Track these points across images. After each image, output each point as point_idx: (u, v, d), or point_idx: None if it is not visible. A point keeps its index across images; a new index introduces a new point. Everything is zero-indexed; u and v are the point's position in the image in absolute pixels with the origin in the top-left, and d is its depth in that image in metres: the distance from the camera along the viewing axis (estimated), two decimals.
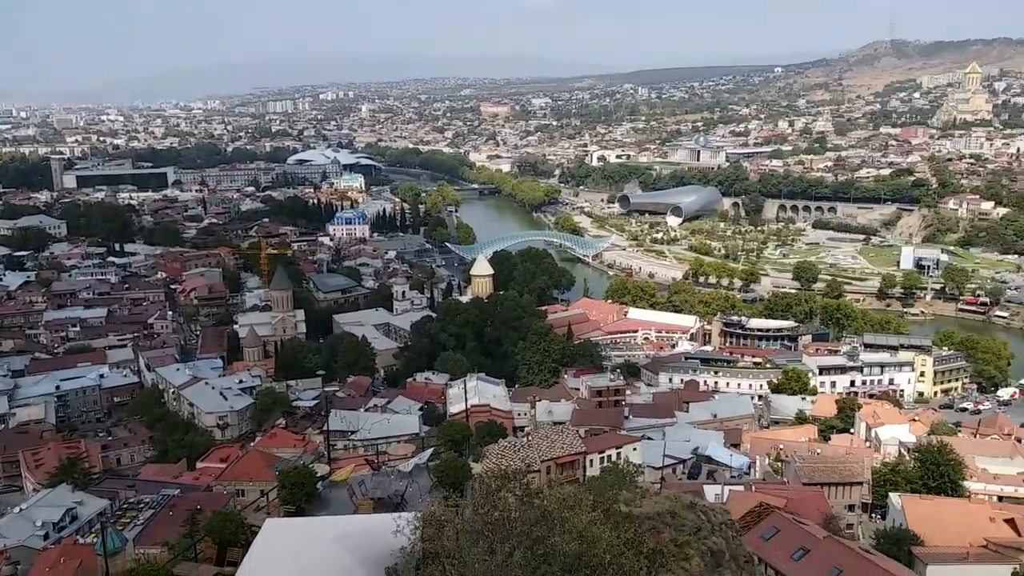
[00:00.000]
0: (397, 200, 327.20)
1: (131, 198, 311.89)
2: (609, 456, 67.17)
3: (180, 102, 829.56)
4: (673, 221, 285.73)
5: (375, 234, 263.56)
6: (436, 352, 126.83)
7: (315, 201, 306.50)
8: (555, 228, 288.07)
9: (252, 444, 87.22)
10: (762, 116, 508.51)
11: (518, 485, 18.89)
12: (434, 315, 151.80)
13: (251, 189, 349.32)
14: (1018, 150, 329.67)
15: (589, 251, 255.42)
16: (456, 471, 49.54)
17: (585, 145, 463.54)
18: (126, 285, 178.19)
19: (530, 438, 63.57)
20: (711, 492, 58.46)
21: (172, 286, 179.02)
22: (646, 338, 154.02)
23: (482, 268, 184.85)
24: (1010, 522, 54.89)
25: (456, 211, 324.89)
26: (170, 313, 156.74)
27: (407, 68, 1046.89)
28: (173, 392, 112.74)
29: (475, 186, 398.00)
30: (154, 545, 52.15)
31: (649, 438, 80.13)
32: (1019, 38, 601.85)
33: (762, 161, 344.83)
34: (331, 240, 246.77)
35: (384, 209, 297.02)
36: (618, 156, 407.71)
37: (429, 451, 64.76)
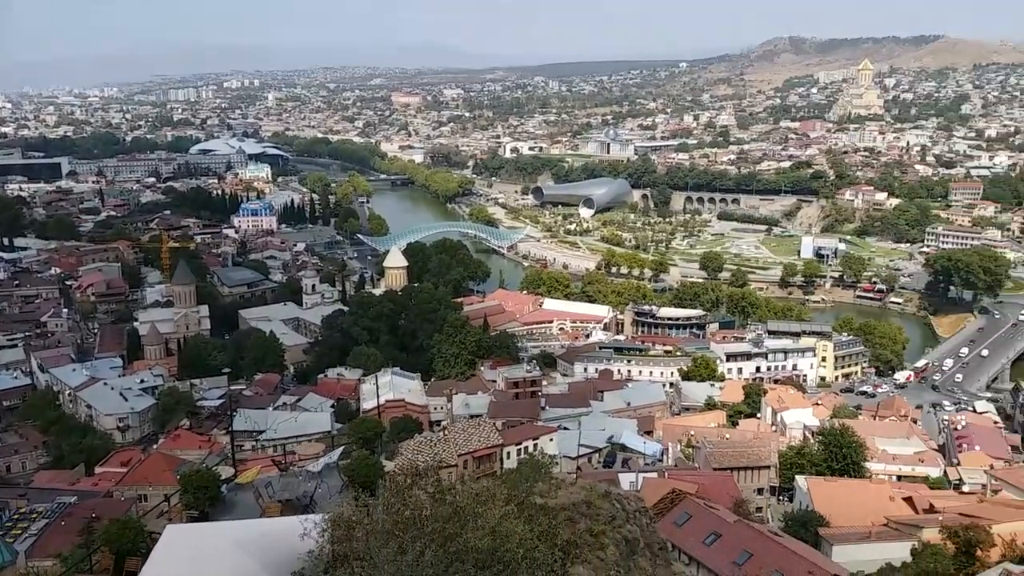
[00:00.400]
0: (306, 191, 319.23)
1: (21, 189, 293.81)
2: (526, 448, 67.02)
3: (75, 89, 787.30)
4: (585, 213, 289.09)
5: (283, 226, 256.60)
6: (348, 347, 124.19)
7: (219, 192, 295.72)
8: (469, 219, 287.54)
9: (154, 447, 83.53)
10: (668, 110, 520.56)
11: (430, 482, 18.40)
12: (346, 309, 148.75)
13: (152, 180, 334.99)
14: (908, 144, 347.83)
15: (504, 242, 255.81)
16: (367, 470, 48.35)
17: (498, 137, 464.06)
18: (16, 281, 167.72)
19: (446, 432, 62.89)
20: (626, 480, 59.01)
21: (67, 282, 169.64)
22: (561, 328, 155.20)
23: (396, 260, 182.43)
24: (908, 500, 57.59)
25: (368, 202, 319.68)
26: (65, 311, 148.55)
27: (315, 57, 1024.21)
28: (69, 394, 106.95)
29: (387, 177, 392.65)
30: (47, 557, 48.95)
31: (565, 428, 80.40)
32: (906, 37, 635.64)
33: (669, 154, 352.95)
34: (236, 232, 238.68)
35: (292, 200, 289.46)
36: (531, 148, 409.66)
37: (339, 450, 63.18)
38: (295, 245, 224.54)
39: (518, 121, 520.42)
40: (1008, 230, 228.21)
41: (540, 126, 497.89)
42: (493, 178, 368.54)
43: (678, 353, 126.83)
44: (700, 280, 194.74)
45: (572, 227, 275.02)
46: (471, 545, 15.61)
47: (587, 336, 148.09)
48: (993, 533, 43.95)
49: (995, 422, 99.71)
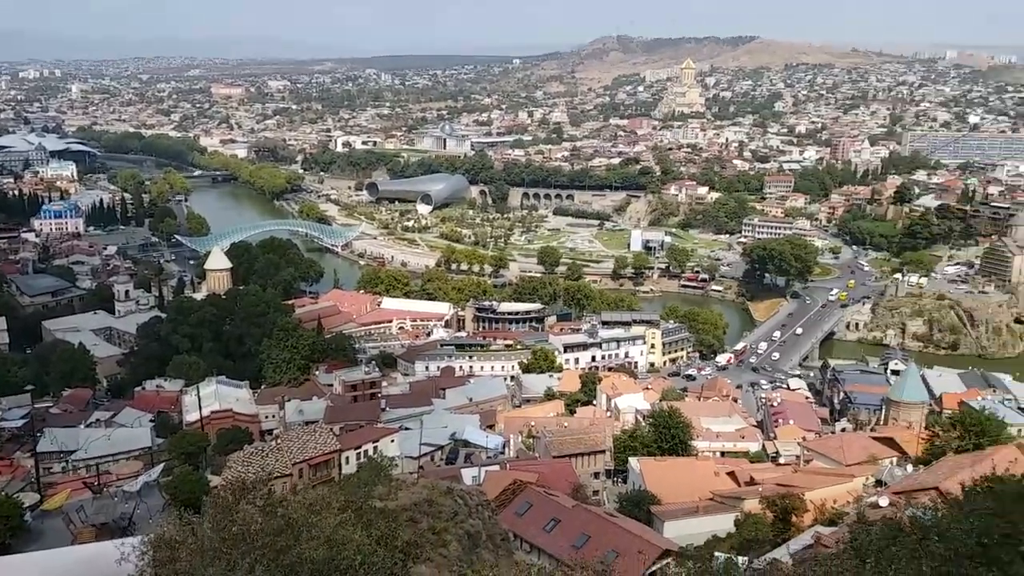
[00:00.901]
0: (116, 189, 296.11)
1: None
2: (366, 451, 65.39)
3: None
4: (423, 209, 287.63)
5: (91, 228, 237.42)
6: (168, 356, 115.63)
7: (16, 193, 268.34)
8: (300, 217, 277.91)
9: None
10: (503, 106, 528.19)
11: (259, 495, 17.69)
12: (164, 315, 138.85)
13: None
14: (727, 140, 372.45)
15: (338, 240, 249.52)
16: (191, 486, 45.06)
17: (328, 130, 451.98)
18: None
19: (279, 441, 59.97)
20: (468, 475, 58.80)
21: None
22: (401, 327, 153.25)
23: (218, 261, 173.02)
24: (731, 474, 61.05)
25: (186, 200, 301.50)
26: None
27: (126, 47, 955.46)
28: None
29: (207, 173, 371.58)
30: None
31: (407, 428, 79.16)
32: (725, 37, 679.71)
33: (505, 150, 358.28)
34: (37, 236, 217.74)
35: (101, 200, 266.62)
36: (364, 142, 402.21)
37: (160, 467, 58.71)
38: (105, 248, 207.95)
39: (350, 114, 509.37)
40: (816, 220, 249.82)
41: (373, 120, 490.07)
42: (324, 173, 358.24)
43: (518, 347, 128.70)
44: (538, 274, 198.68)
45: (410, 224, 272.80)
46: (305, 556, 15.11)
47: (428, 334, 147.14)
48: (806, 499, 47.25)
49: (806, 397, 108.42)
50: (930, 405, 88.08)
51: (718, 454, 75.28)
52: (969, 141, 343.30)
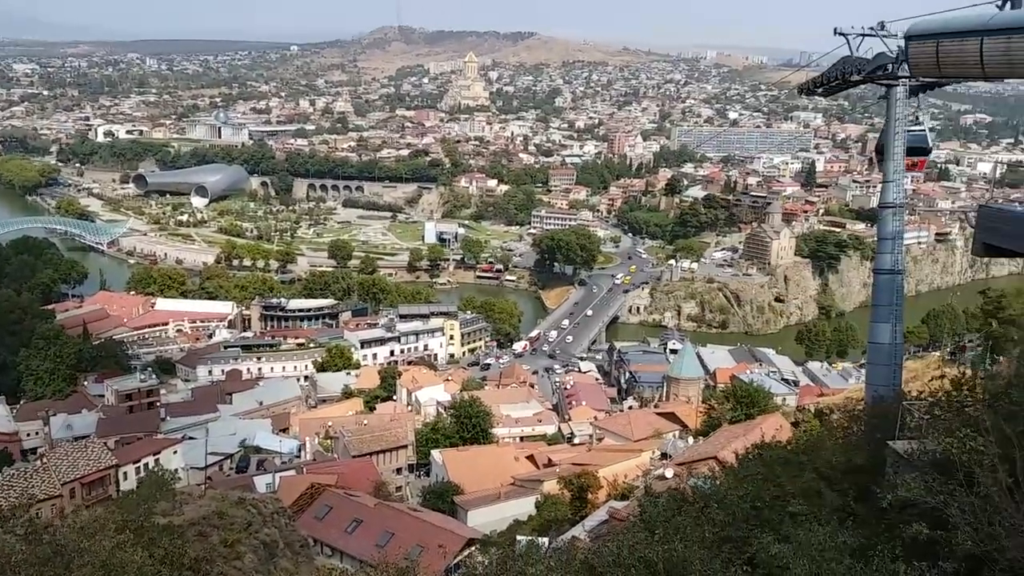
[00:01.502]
0: None
1: None
2: (146, 465, 60.41)
3: None
4: (199, 202, 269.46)
5: None
6: None
7: None
8: (57, 213, 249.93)
9: None
10: (283, 94, 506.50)
11: (21, 522, 15.69)
12: None
13: None
14: (512, 133, 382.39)
15: (103, 238, 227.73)
16: None
17: (87, 119, 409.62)
18: None
19: (45, 460, 54.16)
20: (262, 482, 56.10)
21: None
22: (179, 330, 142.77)
23: None
24: (531, 458, 62.71)
25: None
26: None
27: None
28: None
29: None
30: None
31: (191, 437, 73.99)
32: (505, 32, 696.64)
33: (287, 140, 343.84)
34: None
35: None
36: (129, 132, 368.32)
37: None
38: None
39: (111, 102, 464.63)
40: (598, 211, 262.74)
41: (138, 107, 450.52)
42: (84, 166, 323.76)
43: (312, 345, 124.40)
44: (329, 269, 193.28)
45: (184, 218, 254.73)
46: None
47: (210, 336, 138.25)
48: (600, 477, 49.40)
49: (596, 379, 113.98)
50: (706, 380, 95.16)
51: (518, 439, 77.06)
52: (730, 136, 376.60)
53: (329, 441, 74.67)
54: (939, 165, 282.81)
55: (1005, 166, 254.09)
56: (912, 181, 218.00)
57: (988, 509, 8.54)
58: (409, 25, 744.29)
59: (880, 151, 31.74)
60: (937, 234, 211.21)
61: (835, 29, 29.66)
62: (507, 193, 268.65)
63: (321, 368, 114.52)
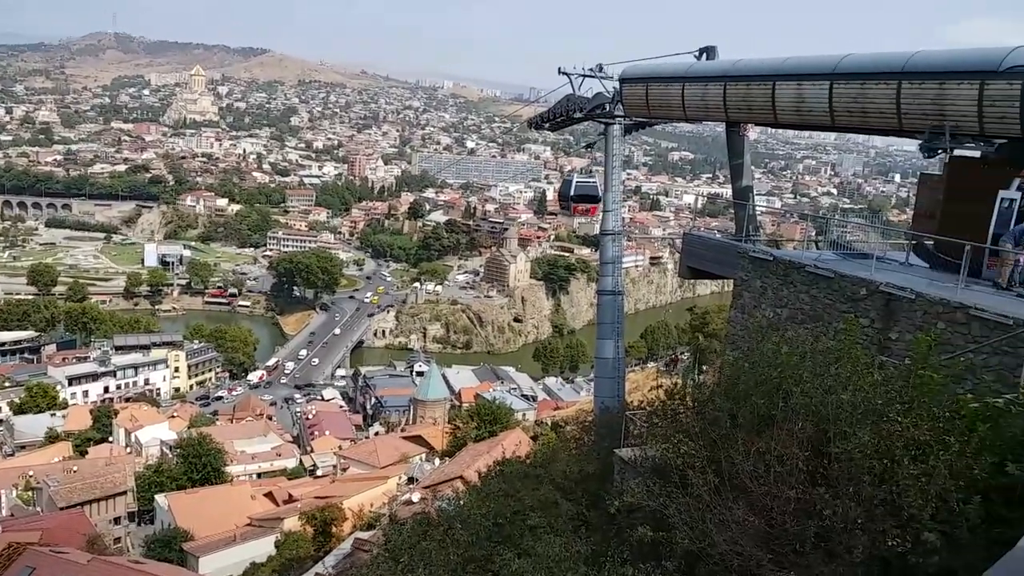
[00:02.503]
0: None
1: None
2: None
3: None
4: None
5: None
6: None
7: None
8: None
9: None
10: None
11: None
12: None
13: None
14: (244, 151, 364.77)
15: None
16: None
17: None
18: None
19: None
20: None
21: None
22: None
23: None
24: (270, 495, 59.52)
25: None
26: None
27: None
28: None
29: None
30: None
31: None
32: (236, 47, 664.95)
33: None
34: None
35: None
36: None
37: None
38: None
39: None
40: (340, 233, 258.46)
41: None
42: None
43: (7, 384, 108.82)
44: (30, 297, 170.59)
45: None
46: None
47: None
48: (345, 508, 48.10)
49: (341, 406, 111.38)
50: (451, 400, 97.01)
51: (255, 476, 72.92)
52: (468, 164, 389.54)
53: (30, 493, 65.39)
54: (652, 196, 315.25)
55: (705, 198, 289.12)
56: (628, 210, 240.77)
57: (700, 507, 9.28)
58: (127, 32, 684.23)
59: (564, 197, 35.11)
60: (651, 258, 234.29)
61: (559, 68, 31.84)
62: (239, 213, 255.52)
63: (19, 410, 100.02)
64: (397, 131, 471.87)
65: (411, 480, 53.90)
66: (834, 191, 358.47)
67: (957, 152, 18.85)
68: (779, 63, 23.17)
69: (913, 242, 19.03)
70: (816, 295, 17.07)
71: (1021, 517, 7.22)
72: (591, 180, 33.72)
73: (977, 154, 18.62)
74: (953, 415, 8.84)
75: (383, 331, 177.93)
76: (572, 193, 32.98)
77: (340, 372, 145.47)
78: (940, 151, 18.50)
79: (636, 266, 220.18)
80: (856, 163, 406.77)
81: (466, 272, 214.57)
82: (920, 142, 18.95)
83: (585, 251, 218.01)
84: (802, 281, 17.52)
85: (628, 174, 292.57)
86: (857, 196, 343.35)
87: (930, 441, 8.32)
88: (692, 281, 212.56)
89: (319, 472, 74.16)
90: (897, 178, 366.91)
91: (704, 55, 28.87)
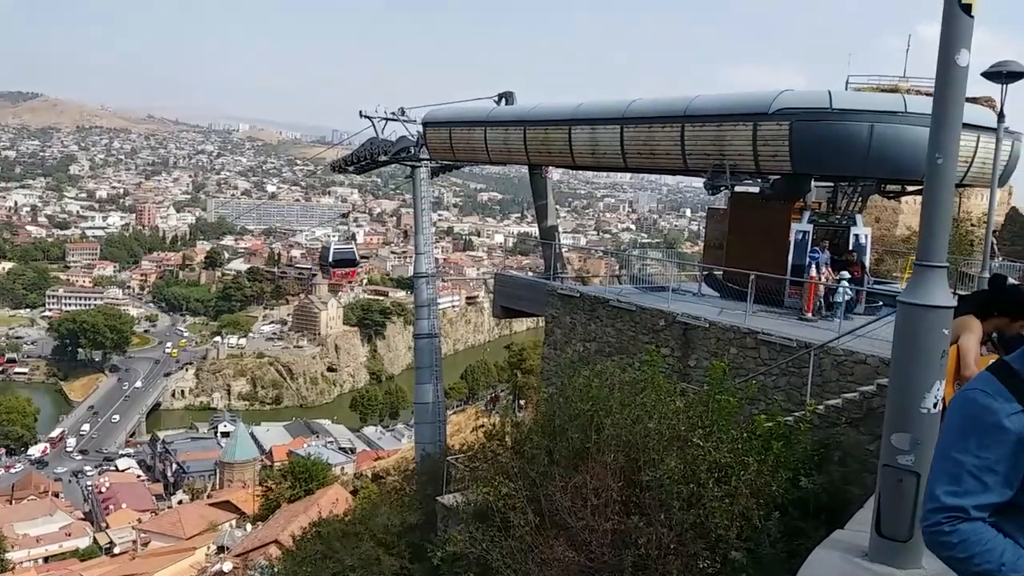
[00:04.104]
0: None
1: None
2: None
3: None
4: None
5: None
6: None
7: None
8: None
9: None
10: None
11: None
12: None
13: None
14: (16, 203, 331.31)
15: None
16: None
17: None
18: None
19: None
20: None
21: None
22: None
23: None
24: None
25: None
26: None
27: None
28: None
29: None
30: None
31: None
32: (2, 92, 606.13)
33: None
34: None
35: None
36: None
37: None
38: None
39: None
40: (129, 288, 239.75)
41: None
42: None
43: None
44: None
45: None
46: None
47: None
48: None
49: (138, 476, 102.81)
50: (261, 460, 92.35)
51: (41, 561, 65.35)
52: (270, 208, 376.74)
53: None
54: (464, 237, 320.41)
55: (516, 237, 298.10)
56: (442, 251, 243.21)
57: (523, 549, 9.20)
58: None
59: (324, 262, 38.01)
60: (468, 297, 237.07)
61: (360, 112, 31.64)
62: (12, 271, 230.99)
63: None
64: (190, 177, 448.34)
65: (221, 549, 50.43)
66: (633, 227, 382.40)
67: (738, 188, 20.56)
68: (574, 108, 24.32)
69: (705, 273, 20.42)
70: (621, 328, 17.82)
71: (816, 527, 7.71)
72: (348, 247, 36.85)
73: (756, 189, 20.40)
74: (750, 436, 9.37)
75: (182, 391, 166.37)
76: (331, 259, 35.43)
77: (136, 438, 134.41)
78: (722, 188, 20.08)
79: (453, 306, 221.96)
80: (651, 200, 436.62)
81: (273, 322, 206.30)
82: (704, 180, 20.47)
83: (400, 294, 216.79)
84: (607, 315, 18.24)
85: (439, 215, 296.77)
86: (654, 231, 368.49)
87: (731, 462, 8.75)
88: (508, 319, 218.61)
89: (117, 549, 67.86)
90: (688, 212, 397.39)
91: (503, 100, 29.83)
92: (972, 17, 3.17)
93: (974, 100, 26.55)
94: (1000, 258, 24.05)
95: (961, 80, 3.28)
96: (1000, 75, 15.33)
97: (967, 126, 19.14)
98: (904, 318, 3.33)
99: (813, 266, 17.43)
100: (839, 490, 8.80)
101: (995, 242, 25.66)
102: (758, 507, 8.41)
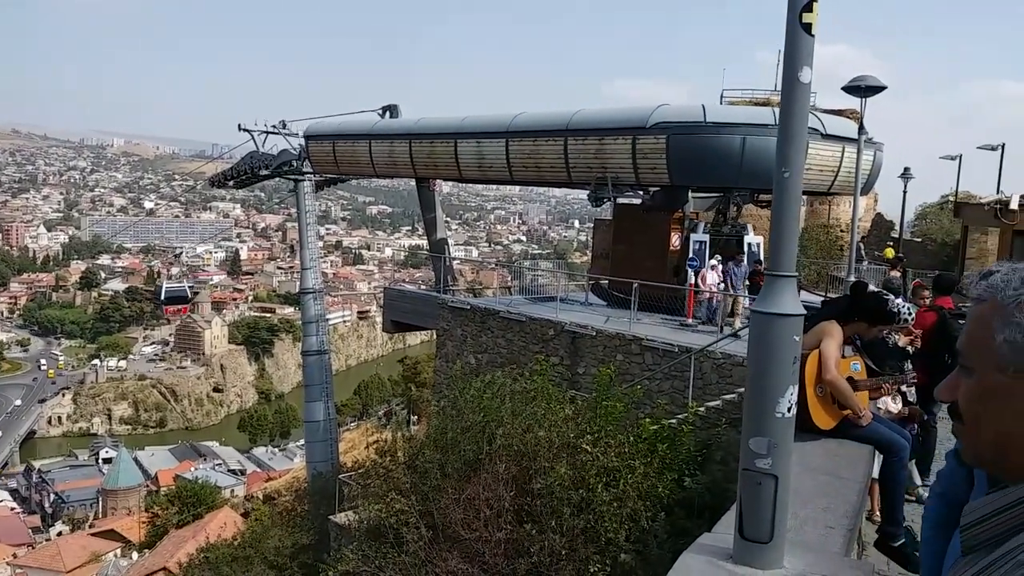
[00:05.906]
0: None
1: None
2: None
3: None
4: None
5: None
6: None
7: None
8: None
9: None
10: None
11: None
12: None
13: None
14: None
15: None
16: None
17: None
18: None
19: None
20: None
21: None
22: None
23: None
24: None
25: None
26: None
27: None
28: None
29: None
30: None
31: None
32: None
33: None
34: None
35: None
36: None
37: None
38: None
39: None
40: None
41: None
42: None
43: None
44: None
45: None
46: None
47: None
48: None
49: (12, 508, 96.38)
50: (147, 486, 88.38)
51: None
52: (148, 225, 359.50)
53: None
54: (354, 250, 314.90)
55: (407, 250, 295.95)
56: (331, 266, 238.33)
57: (416, 564, 9.14)
58: None
59: (157, 299, 38.87)
60: (359, 312, 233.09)
61: (239, 125, 30.77)
62: None
63: None
64: (61, 194, 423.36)
65: None
66: (524, 238, 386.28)
67: (621, 200, 21.17)
68: (459, 121, 24.42)
69: (591, 282, 20.90)
70: (511, 339, 18.00)
71: (700, 526, 8.01)
72: (180, 285, 39.16)
73: (638, 201, 21.06)
74: (637, 439, 9.64)
75: (59, 417, 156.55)
76: (163, 297, 36.83)
77: (8, 469, 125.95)
78: (605, 200, 20.63)
79: (344, 321, 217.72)
80: (540, 211, 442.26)
81: (154, 343, 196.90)
82: (588, 192, 20.98)
83: (288, 310, 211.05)
84: (498, 326, 18.38)
85: (327, 229, 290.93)
86: (544, 242, 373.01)
87: (619, 466, 8.97)
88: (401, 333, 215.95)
89: None
90: (577, 223, 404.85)
91: (388, 112, 29.62)
92: (813, 36, 3.30)
93: (839, 112, 28.33)
94: (867, 262, 25.59)
95: (804, 96, 3.35)
96: (859, 89, 15.88)
97: (833, 138, 20.43)
98: (757, 326, 3.45)
99: (692, 273, 18.13)
100: (721, 489, 9.16)
101: (863, 247, 27.43)
102: (645, 509, 8.66)
